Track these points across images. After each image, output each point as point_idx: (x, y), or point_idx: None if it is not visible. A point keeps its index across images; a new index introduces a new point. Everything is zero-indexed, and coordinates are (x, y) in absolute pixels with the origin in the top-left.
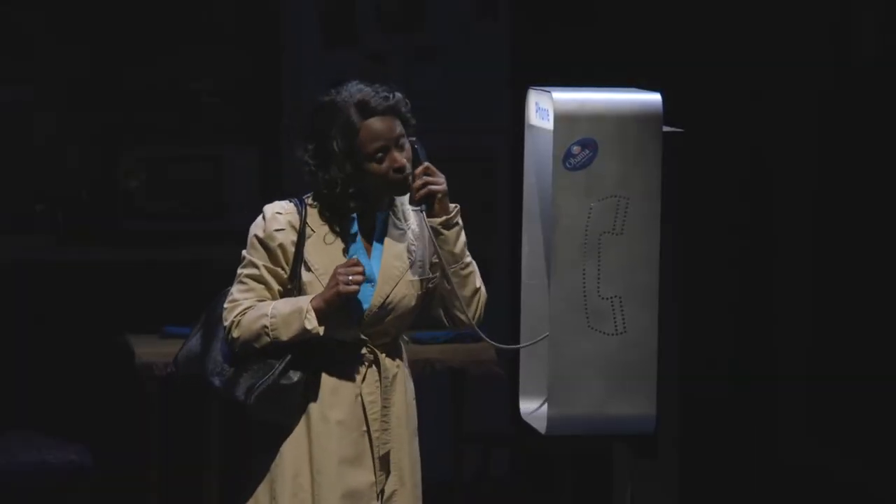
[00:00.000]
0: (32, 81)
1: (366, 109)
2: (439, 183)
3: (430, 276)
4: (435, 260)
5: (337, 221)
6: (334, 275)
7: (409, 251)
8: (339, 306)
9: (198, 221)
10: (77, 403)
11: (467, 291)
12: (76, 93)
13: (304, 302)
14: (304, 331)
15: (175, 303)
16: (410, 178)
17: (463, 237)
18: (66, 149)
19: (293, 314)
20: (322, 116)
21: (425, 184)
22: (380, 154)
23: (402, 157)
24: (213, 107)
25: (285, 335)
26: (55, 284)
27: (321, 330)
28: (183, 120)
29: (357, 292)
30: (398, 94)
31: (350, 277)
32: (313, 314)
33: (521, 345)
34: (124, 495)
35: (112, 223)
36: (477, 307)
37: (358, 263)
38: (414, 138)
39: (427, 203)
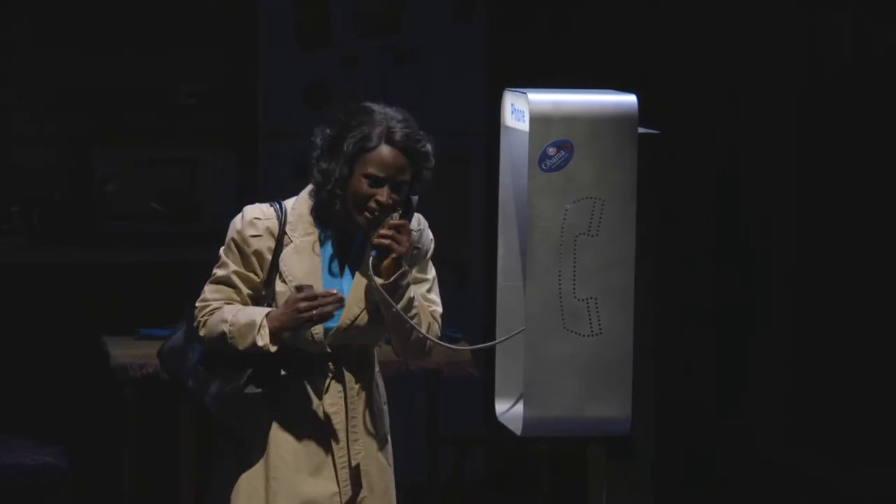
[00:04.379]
0: (10, 83)
1: (392, 137)
2: (401, 243)
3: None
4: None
5: (318, 231)
6: (295, 305)
7: None
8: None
9: (173, 224)
10: (52, 405)
11: (407, 340)
12: (52, 94)
13: (259, 316)
14: (257, 346)
15: (150, 305)
16: (382, 221)
17: (406, 297)
18: (42, 150)
19: (248, 326)
20: (355, 114)
21: (391, 237)
22: (372, 180)
23: (388, 197)
24: (189, 110)
25: (241, 345)
26: (30, 286)
27: (272, 348)
28: (159, 122)
29: (319, 322)
30: (429, 148)
31: (314, 313)
32: (266, 331)
33: (491, 342)
34: (100, 497)
35: (87, 225)
36: (418, 354)
37: (315, 297)
38: (416, 196)
39: (378, 252)
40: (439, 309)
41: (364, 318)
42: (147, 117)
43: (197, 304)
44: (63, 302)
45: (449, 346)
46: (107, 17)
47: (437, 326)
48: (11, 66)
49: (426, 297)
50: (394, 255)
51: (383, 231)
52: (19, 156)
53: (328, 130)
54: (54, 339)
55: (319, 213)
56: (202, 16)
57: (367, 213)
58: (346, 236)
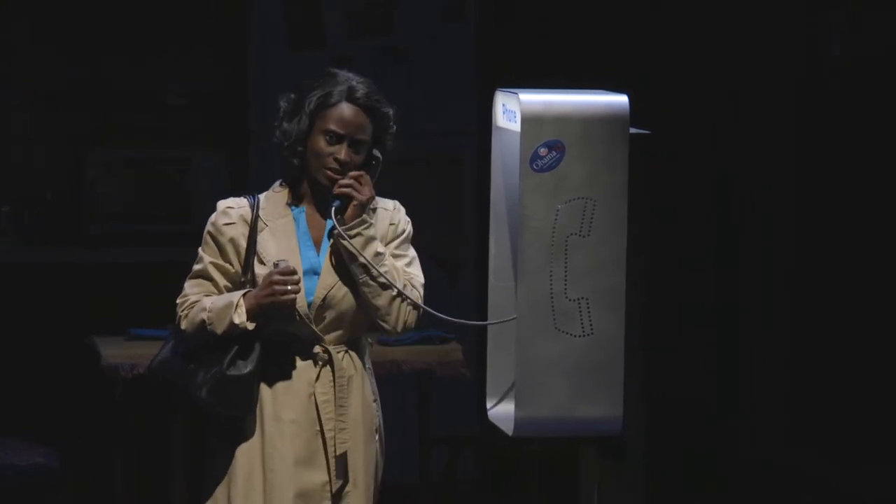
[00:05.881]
0: (7, 83)
1: (352, 94)
2: (361, 193)
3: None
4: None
5: (292, 212)
6: (269, 281)
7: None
8: (275, 309)
9: (163, 224)
10: (43, 406)
11: (382, 301)
12: (43, 94)
13: (235, 297)
14: (234, 325)
15: (141, 305)
16: (342, 175)
17: (371, 249)
18: (33, 150)
19: (226, 308)
20: (319, 77)
21: (349, 185)
22: (332, 137)
23: (347, 155)
24: (181, 110)
25: (220, 329)
26: (20, 286)
27: (249, 325)
28: (151, 123)
29: (294, 301)
30: (390, 111)
31: (289, 287)
32: (243, 309)
33: (483, 322)
34: (91, 497)
35: (78, 225)
36: (398, 316)
37: (294, 272)
38: (379, 157)
39: (340, 201)
40: (420, 279)
41: (340, 288)
42: (139, 117)
43: (178, 301)
44: (54, 302)
45: (427, 307)
46: (99, 19)
47: (416, 293)
48: (9, 67)
49: (405, 269)
50: (355, 203)
51: (344, 181)
52: (10, 155)
53: (292, 95)
54: (45, 339)
55: (292, 195)
56: (196, 17)
57: (327, 171)
58: (319, 214)
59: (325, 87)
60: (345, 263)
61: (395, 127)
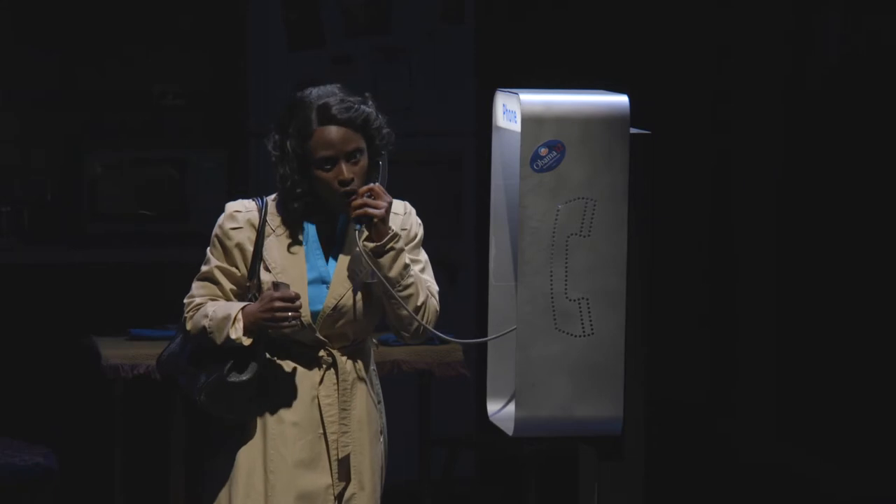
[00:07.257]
0: (1, 84)
1: (325, 115)
2: (378, 207)
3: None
4: (371, 280)
5: (297, 221)
6: (270, 307)
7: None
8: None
9: (163, 224)
10: (43, 406)
11: (406, 312)
12: (42, 95)
13: (234, 310)
14: (230, 339)
15: (140, 305)
16: (354, 194)
17: (401, 262)
18: (32, 150)
19: (224, 320)
20: (288, 112)
21: (364, 204)
22: (327, 164)
23: (349, 171)
24: (179, 110)
25: (218, 339)
26: (20, 286)
27: (245, 341)
28: (148, 123)
29: (295, 327)
30: (367, 109)
31: (289, 314)
32: (241, 324)
33: (482, 339)
34: (91, 497)
35: (77, 225)
36: (419, 326)
37: (296, 298)
38: (380, 160)
39: (362, 223)
40: (435, 287)
41: (349, 298)
42: (137, 118)
43: (185, 301)
44: (53, 302)
45: (440, 334)
46: (96, 18)
47: (434, 301)
48: (3, 67)
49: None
50: (375, 220)
51: (356, 201)
52: (8, 156)
53: (276, 136)
54: (45, 340)
55: (287, 201)
56: (193, 16)
57: (340, 197)
58: (327, 222)
59: (296, 119)
60: (362, 271)
61: (380, 118)
